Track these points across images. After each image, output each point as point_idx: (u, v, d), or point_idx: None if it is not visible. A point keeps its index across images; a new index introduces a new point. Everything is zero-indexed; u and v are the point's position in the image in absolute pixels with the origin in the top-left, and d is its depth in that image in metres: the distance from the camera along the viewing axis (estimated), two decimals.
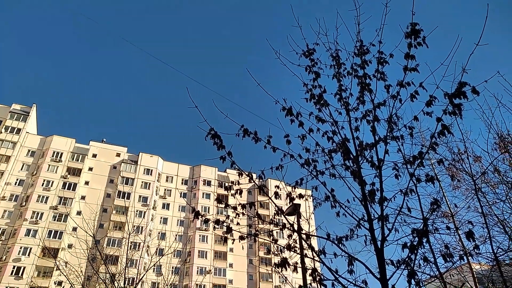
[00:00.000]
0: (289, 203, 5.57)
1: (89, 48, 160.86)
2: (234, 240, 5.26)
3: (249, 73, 6.69)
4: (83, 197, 61.93)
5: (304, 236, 5.56)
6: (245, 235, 5.31)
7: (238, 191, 5.31)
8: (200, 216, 5.48)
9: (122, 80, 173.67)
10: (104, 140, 71.55)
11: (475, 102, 10.43)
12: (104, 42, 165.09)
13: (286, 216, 5.38)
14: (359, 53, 6.43)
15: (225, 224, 5.43)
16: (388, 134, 5.74)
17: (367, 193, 5.19)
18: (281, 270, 4.72)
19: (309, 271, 4.73)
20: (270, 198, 5.10)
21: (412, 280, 4.32)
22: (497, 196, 9.01)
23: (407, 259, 4.54)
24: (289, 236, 5.36)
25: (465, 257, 8.13)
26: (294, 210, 9.14)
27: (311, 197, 6.37)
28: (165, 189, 70.61)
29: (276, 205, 5.41)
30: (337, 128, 6.20)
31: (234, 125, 5.90)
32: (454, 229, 8.86)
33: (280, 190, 5.41)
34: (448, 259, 4.48)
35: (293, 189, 5.88)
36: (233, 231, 5.39)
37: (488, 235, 7.91)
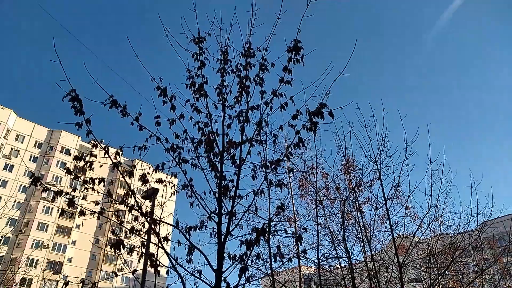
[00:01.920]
0: (142, 185, 5.38)
1: None
2: (72, 214, 4.86)
3: (128, 41, 6.30)
4: None
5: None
6: (88, 212, 4.93)
7: (89, 163, 4.91)
8: (39, 184, 4.91)
9: None
10: None
11: (333, 125, 11.75)
12: None
13: (137, 199, 5.18)
14: (246, 55, 6.63)
15: (68, 196, 4.97)
16: (255, 137, 6.04)
17: (222, 188, 5.36)
18: (115, 251, 4.52)
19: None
20: (123, 177, 4.85)
21: (244, 275, 4.61)
22: (333, 210, 10.32)
23: (243, 255, 4.83)
24: (136, 218, 5.19)
25: (295, 260, 9.04)
26: (151, 194, 8.90)
27: (170, 184, 6.30)
28: (12, 148, 61.37)
29: (128, 185, 5.16)
30: (211, 121, 6.28)
31: (105, 93, 5.45)
32: (292, 233, 9.81)
33: (136, 170, 5.20)
34: (278, 259, 4.92)
35: (154, 172, 5.72)
36: (82, 207, 4.96)
37: (318, 243, 9.00)
